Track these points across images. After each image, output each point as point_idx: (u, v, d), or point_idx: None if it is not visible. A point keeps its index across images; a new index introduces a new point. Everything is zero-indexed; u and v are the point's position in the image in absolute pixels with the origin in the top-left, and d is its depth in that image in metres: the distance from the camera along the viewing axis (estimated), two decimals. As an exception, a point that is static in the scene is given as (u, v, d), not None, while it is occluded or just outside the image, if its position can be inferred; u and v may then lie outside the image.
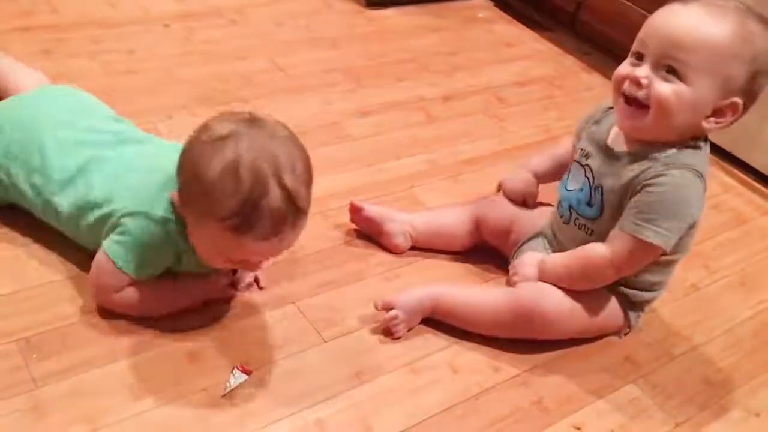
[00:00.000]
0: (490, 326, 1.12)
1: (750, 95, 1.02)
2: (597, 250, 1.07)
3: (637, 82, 1.01)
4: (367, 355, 1.07)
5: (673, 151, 1.04)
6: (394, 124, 1.62)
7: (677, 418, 1.08)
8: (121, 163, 1.07)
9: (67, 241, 1.11)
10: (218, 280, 1.08)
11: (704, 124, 1.02)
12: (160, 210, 0.99)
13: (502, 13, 2.23)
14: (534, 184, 1.26)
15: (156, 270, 1.03)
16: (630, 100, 1.03)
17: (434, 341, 1.12)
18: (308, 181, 0.96)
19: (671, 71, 0.99)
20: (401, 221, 1.26)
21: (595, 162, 1.11)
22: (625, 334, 1.18)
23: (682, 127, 1.03)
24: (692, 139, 1.05)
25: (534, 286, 1.11)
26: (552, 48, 2.08)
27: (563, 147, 1.25)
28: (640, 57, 1.02)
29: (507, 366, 1.10)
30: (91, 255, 1.09)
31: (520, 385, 1.08)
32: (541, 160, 1.28)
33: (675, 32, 0.99)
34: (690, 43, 0.98)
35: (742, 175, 1.67)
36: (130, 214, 1.00)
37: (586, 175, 1.11)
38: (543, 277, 1.11)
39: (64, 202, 1.06)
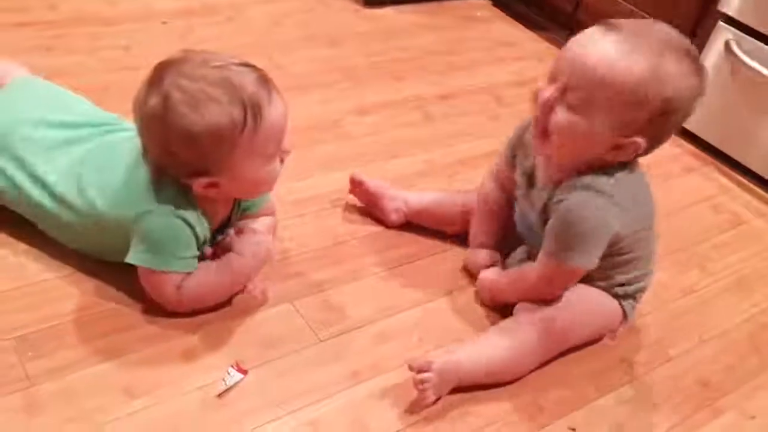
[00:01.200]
0: (524, 371, 1.09)
1: (656, 136, 1.00)
2: (529, 274, 1.10)
3: (540, 105, 1.00)
4: (363, 354, 1.07)
5: (587, 174, 1.03)
6: (392, 123, 1.62)
7: (672, 420, 1.08)
8: (108, 164, 1.05)
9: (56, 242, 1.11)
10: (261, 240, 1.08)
11: (605, 155, 1.01)
12: (161, 200, 0.99)
13: (501, 13, 2.23)
14: (494, 254, 1.24)
15: (190, 251, 1.03)
16: (537, 131, 1.03)
17: (433, 342, 1.11)
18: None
19: (573, 101, 0.97)
20: (397, 198, 1.30)
21: (522, 193, 1.15)
22: (621, 324, 1.17)
23: (580, 155, 1.02)
24: (601, 167, 1.03)
25: (547, 311, 1.09)
26: (550, 48, 2.08)
27: (490, 204, 1.24)
28: (553, 79, 1.00)
29: (503, 367, 1.10)
30: (83, 255, 1.09)
31: (516, 386, 1.07)
32: (486, 230, 1.25)
33: (584, 65, 0.96)
34: (596, 80, 0.95)
35: (739, 177, 1.67)
36: (138, 219, 0.99)
37: (520, 207, 1.16)
38: (500, 296, 1.16)
39: (64, 212, 1.05)
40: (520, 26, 2.17)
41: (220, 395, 0.97)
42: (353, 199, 1.33)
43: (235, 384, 0.98)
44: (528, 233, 1.17)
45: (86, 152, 1.08)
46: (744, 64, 1.59)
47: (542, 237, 1.08)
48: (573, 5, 2.09)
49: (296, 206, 1.32)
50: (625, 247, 1.08)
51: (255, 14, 1.92)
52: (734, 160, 1.68)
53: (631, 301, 1.16)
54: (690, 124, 1.69)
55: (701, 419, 1.09)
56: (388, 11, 2.09)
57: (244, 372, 0.99)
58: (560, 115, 0.99)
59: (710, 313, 1.29)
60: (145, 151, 1.01)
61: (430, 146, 1.57)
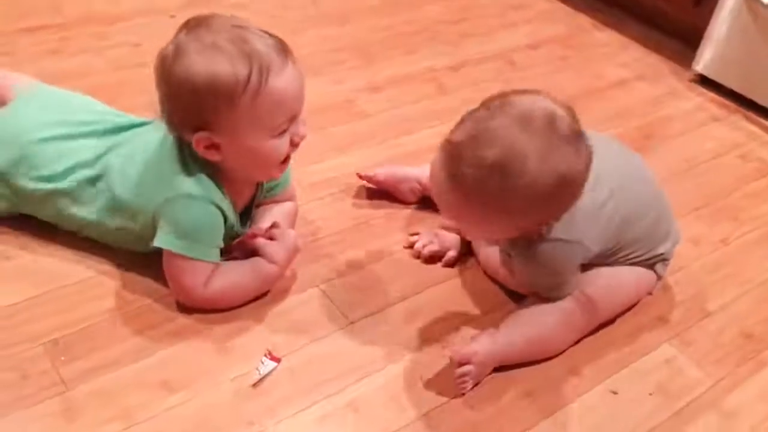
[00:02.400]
0: (564, 347, 1.07)
1: (546, 218, 0.95)
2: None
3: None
4: (394, 334, 1.06)
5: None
6: (407, 98, 1.59)
7: (716, 376, 1.06)
8: (132, 153, 1.05)
9: (85, 241, 1.10)
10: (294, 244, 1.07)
11: (522, 233, 0.98)
12: (190, 184, 0.99)
13: (509, -24, 2.18)
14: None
15: (220, 242, 1.02)
16: None
17: (463, 316, 1.10)
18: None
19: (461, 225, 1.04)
20: (408, 178, 1.27)
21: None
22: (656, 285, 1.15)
23: (505, 237, 1.02)
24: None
25: (586, 286, 1.06)
26: (561, 7, 2.03)
27: None
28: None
29: (537, 335, 1.08)
30: (113, 252, 1.09)
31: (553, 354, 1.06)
32: None
33: (438, 198, 0.98)
34: (450, 210, 0.98)
35: (767, 123, 1.62)
36: (167, 203, 0.99)
37: None
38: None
39: (85, 209, 1.06)
40: (530, -13, 2.12)
41: (254, 385, 0.96)
42: (361, 172, 1.32)
43: (269, 372, 0.98)
44: None
45: (111, 144, 1.07)
46: (763, 5, 1.54)
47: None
48: (582, -39, 2.04)
49: (315, 189, 1.30)
50: (626, 246, 1.06)
51: (263, 0, 1.90)
52: (760, 105, 1.64)
53: (661, 264, 1.14)
54: (710, 72, 1.65)
55: (746, 372, 1.07)
56: (394, -16, 2.05)
57: (277, 360, 0.99)
58: (461, 226, 1.06)
59: (746, 264, 1.26)
60: (161, 108, 0.99)
61: (446, 118, 1.53)
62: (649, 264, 1.11)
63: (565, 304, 1.05)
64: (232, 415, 0.93)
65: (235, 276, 1.05)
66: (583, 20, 1.98)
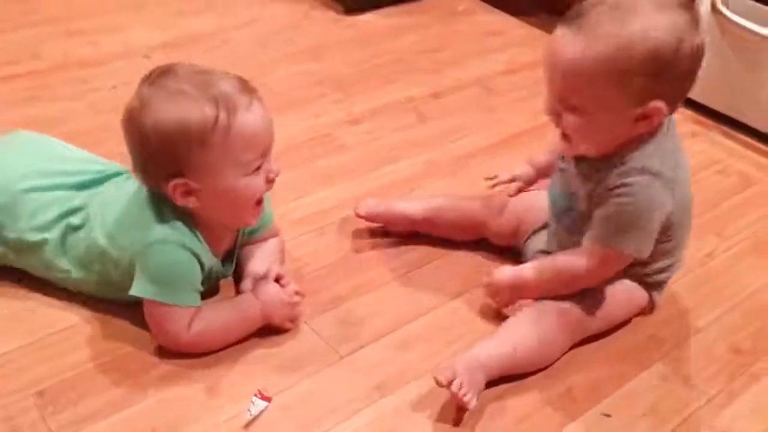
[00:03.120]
0: (550, 358, 1.07)
1: (667, 90, 0.96)
2: (575, 262, 1.05)
3: (552, 120, 1.01)
4: (386, 365, 1.05)
5: (633, 153, 1.00)
6: (387, 128, 1.60)
7: (709, 393, 1.05)
8: (109, 202, 1.05)
9: (63, 289, 1.10)
10: (282, 297, 1.06)
11: (636, 130, 0.99)
12: (163, 230, 0.99)
13: (482, 3, 2.21)
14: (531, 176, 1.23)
15: (198, 286, 1.02)
16: (563, 135, 1.02)
17: (454, 345, 1.10)
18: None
19: (572, 104, 0.97)
20: (401, 217, 1.26)
21: (567, 168, 1.09)
22: (650, 311, 1.16)
23: (612, 140, 1.00)
24: (646, 138, 1.01)
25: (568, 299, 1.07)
26: (536, 33, 2.06)
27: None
28: (549, 85, 1.00)
29: (529, 360, 1.08)
30: (98, 299, 1.08)
31: (546, 377, 1.06)
32: (541, 155, 1.24)
33: (552, 68, 0.97)
34: (565, 79, 0.95)
35: (746, 138, 1.64)
36: (141, 250, 0.98)
37: (564, 179, 1.11)
38: (523, 292, 1.08)
39: (67, 258, 1.05)
40: (504, 14, 2.15)
41: (246, 426, 0.95)
42: (356, 209, 1.32)
43: (261, 412, 0.96)
44: (561, 213, 1.12)
45: (92, 194, 1.07)
46: (733, 22, 1.57)
47: (579, 218, 1.06)
48: (554, -14, 2.07)
49: (300, 224, 1.30)
50: (669, 231, 1.06)
51: (239, 38, 1.92)
52: (737, 120, 1.66)
53: (658, 290, 1.15)
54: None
55: (738, 387, 1.07)
56: (369, 16, 2.08)
57: (269, 399, 0.98)
58: (569, 120, 0.98)
59: (733, 278, 1.26)
60: (133, 166, 1.00)
61: (428, 146, 1.56)
62: (651, 283, 1.12)
63: (549, 319, 1.05)
64: (225, 459, 0.92)
65: (218, 318, 1.04)
66: (558, 44, 2.01)
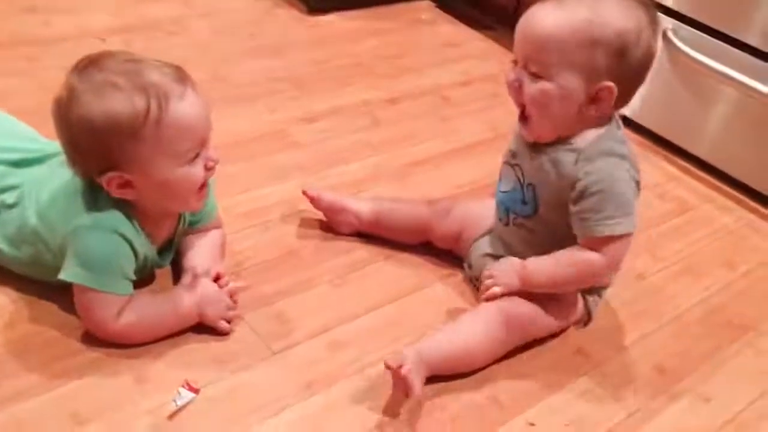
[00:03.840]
0: (489, 357, 1.09)
1: (622, 76, 1.02)
2: (582, 256, 1.07)
3: (511, 87, 1.06)
4: (317, 365, 1.06)
5: (586, 138, 1.06)
6: (341, 130, 1.61)
7: (630, 408, 1.08)
8: (44, 181, 1.03)
9: (1, 270, 1.08)
10: (218, 295, 1.05)
11: (586, 112, 1.04)
12: (95, 215, 0.97)
13: (445, 14, 2.23)
14: None
15: (130, 274, 1.00)
16: (521, 116, 1.08)
17: (384, 345, 1.11)
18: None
19: (535, 70, 1.02)
20: (348, 212, 1.27)
21: (522, 161, 1.12)
22: (586, 324, 1.19)
23: (564, 119, 1.05)
24: (596, 125, 1.06)
25: (510, 300, 1.10)
26: (495, 46, 2.09)
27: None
28: (515, 62, 1.06)
29: (459, 367, 1.10)
30: (28, 281, 1.06)
31: (475, 383, 1.07)
32: None
33: (527, 34, 1.03)
34: (538, 42, 1.01)
35: (685, 164, 1.69)
36: (73, 233, 0.97)
37: (516, 175, 1.13)
38: (525, 285, 1.10)
39: (1, 237, 1.03)
40: (465, 27, 2.18)
41: (170, 416, 0.94)
42: (303, 209, 1.32)
43: (187, 404, 0.96)
44: (511, 204, 1.14)
45: (29, 172, 1.05)
46: (682, 52, 1.61)
47: (534, 207, 1.09)
48: (514, 4, 2.11)
49: (245, 218, 1.30)
50: None
51: (198, 27, 1.90)
52: (679, 147, 1.71)
53: (595, 297, 1.17)
54: (633, 113, 1.72)
55: (659, 405, 1.10)
56: (332, 18, 2.08)
57: (196, 391, 0.97)
58: (529, 88, 1.03)
59: (662, 298, 1.30)
60: (65, 155, 0.98)
61: (380, 150, 1.57)
62: (594, 288, 1.16)
63: (490, 319, 1.08)
64: (147, 448, 0.91)
65: (150, 310, 1.03)
66: (516, 60, 2.04)
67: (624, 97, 1.06)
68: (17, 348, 1.00)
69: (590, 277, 1.11)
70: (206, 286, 1.06)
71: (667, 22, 1.64)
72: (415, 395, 0.98)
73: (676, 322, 1.25)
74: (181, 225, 1.11)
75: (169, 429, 0.93)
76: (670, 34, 1.63)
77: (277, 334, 1.09)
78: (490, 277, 1.11)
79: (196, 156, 0.99)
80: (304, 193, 1.28)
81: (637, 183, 1.07)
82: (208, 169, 1.01)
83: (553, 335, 1.17)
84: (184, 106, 0.94)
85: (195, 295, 1.04)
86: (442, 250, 1.28)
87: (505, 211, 1.16)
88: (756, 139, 1.57)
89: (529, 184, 1.10)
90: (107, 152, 0.94)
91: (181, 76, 0.97)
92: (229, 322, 1.07)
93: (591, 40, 0.99)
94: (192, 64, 1.69)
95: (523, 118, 1.07)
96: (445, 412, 1.03)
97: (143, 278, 1.08)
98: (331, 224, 1.30)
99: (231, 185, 1.36)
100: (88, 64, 0.95)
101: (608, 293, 1.22)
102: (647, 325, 1.24)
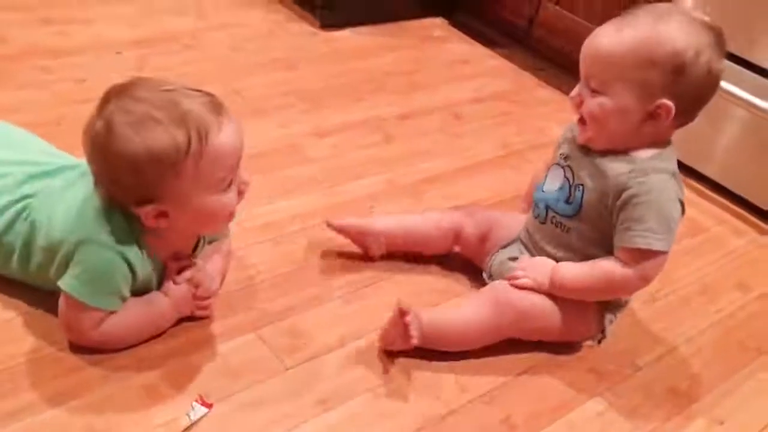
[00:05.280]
0: (479, 335, 1.12)
1: (679, 95, 1.03)
2: (615, 268, 1.08)
3: (572, 101, 1.10)
4: (330, 381, 1.05)
5: (643, 154, 1.08)
6: (352, 145, 1.61)
7: (644, 429, 1.08)
8: (58, 194, 1.02)
9: (11, 282, 1.08)
10: (187, 293, 1.05)
11: (644, 129, 1.06)
12: (103, 231, 0.96)
13: (457, 32, 2.24)
14: None
15: (122, 295, 1.00)
16: (580, 119, 1.10)
17: (398, 363, 1.10)
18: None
19: (595, 86, 1.06)
20: (374, 232, 1.26)
21: (575, 163, 1.13)
22: (599, 342, 1.19)
23: (621, 134, 1.07)
24: (653, 144, 1.08)
25: (525, 292, 1.12)
26: (507, 64, 2.09)
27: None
28: (580, 79, 1.09)
29: (473, 385, 1.09)
30: (39, 293, 1.06)
31: (487, 404, 1.07)
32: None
33: (589, 51, 1.07)
34: (597, 59, 1.05)
35: (699, 186, 1.69)
36: (79, 245, 0.96)
37: (566, 175, 1.14)
38: (554, 287, 1.11)
39: (11, 244, 1.03)
40: (477, 44, 2.19)
41: (184, 431, 0.94)
42: (314, 224, 1.32)
43: (200, 419, 0.95)
44: (553, 202, 1.15)
45: (43, 183, 1.05)
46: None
47: (577, 207, 1.11)
48: (527, 22, 2.12)
49: (257, 232, 1.30)
50: None
51: (212, 41, 1.91)
52: (693, 169, 1.71)
53: (611, 315, 1.17)
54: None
55: (674, 426, 1.09)
56: (345, 33, 2.09)
57: (209, 406, 0.97)
58: (588, 103, 1.07)
59: (676, 320, 1.29)
60: (96, 180, 0.98)
61: (392, 166, 1.57)
62: (611, 306, 1.16)
63: (486, 304, 1.11)
64: (159, 462, 0.91)
65: (127, 317, 1.01)
66: (527, 78, 2.05)
67: (683, 116, 1.07)
68: (30, 361, 0.99)
69: (619, 290, 1.12)
70: (174, 289, 1.05)
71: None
72: (414, 344, 1.05)
73: (689, 344, 1.25)
74: (201, 244, 1.10)
75: (182, 444, 0.93)
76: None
77: (289, 348, 1.09)
78: (524, 269, 1.13)
79: (231, 182, 0.98)
80: (328, 225, 1.26)
81: (682, 204, 1.08)
82: (241, 193, 1.01)
83: (565, 350, 1.17)
84: (222, 138, 0.94)
85: (171, 300, 1.04)
86: (458, 263, 1.28)
87: (544, 208, 1.17)
88: (767, 160, 1.57)
89: (579, 185, 1.12)
90: (146, 186, 0.93)
91: (215, 104, 0.96)
92: (206, 309, 1.08)
93: (648, 58, 1.01)
94: (207, 78, 1.73)
95: (582, 121, 1.10)
96: None
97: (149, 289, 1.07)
98: (361, 248, 1.28)
99: (244, 198, 1.36)
100: (123, 93, 0.93)
101: (622, 314, 1.21)
102: (661, 346, 1.23)
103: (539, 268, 1.13)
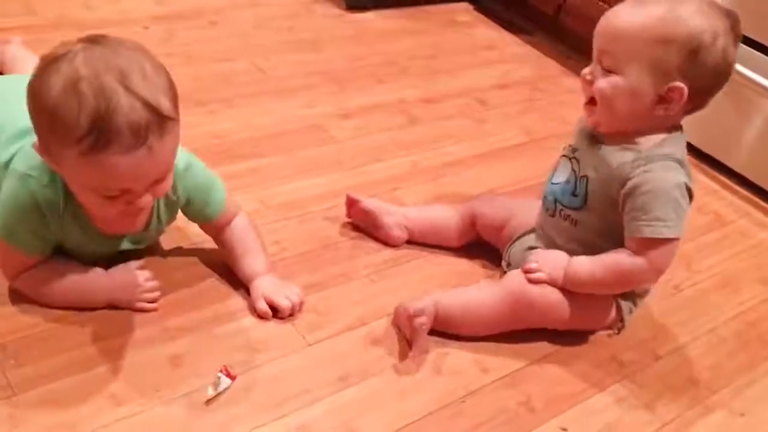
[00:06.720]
0: (491, 323, 1.12)
1: (693, 77, 1.02)
2: (627, 259, 1.07)
3: (583, 80, 1.07)
4: (352, 358, 1.06)
5: (650, 140, 1.06)
6: (376, 127, 1.61)
7: (664, 418, 1.08)
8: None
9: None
10: (132, 280, 1.04)
11: (655, 111, 1.04)
12: (35, 171, 0.93)
13: (483, 17, 2.23)
14: None
15: (47, 237, 0.97)
16: (590, 101, 1.09)
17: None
18: (165, 86, 0.88)
19: (607, 64, 1.04)
20: (397, 214, 1.27)
21: (581, 154, 1.13)
22: (618, 331, 1.18)
23: (631, 116, 1.05)
24: (661, 129, 1.07)
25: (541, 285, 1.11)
26: (532, 51, 2.08)
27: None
28: (592, 58, 1.07)
29: (494, 367, 1.09)
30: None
31: (507, 386, 1.07)
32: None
33: (603, 28, 1.05)
34: (611, 35, 1.03)
35: (723, 178, 1.68)
36: (9, 173, 0.94)
37: (572, 168, 1.14)
38: (567, 282, 1.10)
39: None
40: (502, 30, 2.18)
41: (207, 402, 0.95)
42: (339, 204, 1.32)
43: (224, 390, 0.96)
44: (560, 195, 1.14)
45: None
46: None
47: (583, 200, 1.10)
48: (555, 8, 2.10)
49: (281, 210, 1.30)
50: None
51: (238, 18, 1.91)
52: (717, 161, 1.70)
53: (630, 304, 1.17)
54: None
55: (692, 418, 1.09)
56: (370, 15, 2.09)
57: (233, 377, 0.98)
58: (599, 81, 1.05)
59: (698, 311, 1.29)
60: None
61: (414, 149, 1.57)
62: (629, 294, 1.15)
63: (501, 292, 1.11)
64: (183, 431, 0.91)
65: (53, 273, 1.01)
66: (553, 66, 2.04)
67: (696, 101, 1.05)
68: (54, 328, 1.00)
69: (633, 281, 1.11)
70: (123, 272, 1.04)
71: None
72: (415, 351, 1.06)
73: (710, 335, 1.24)
74: (154, 219, 1.05)
75: (206, 413, 0.94)
76: (713, 46, 1.62)
77: (312, 325, 1.09)
78: (538, 263, 1.12)
79: (121, 196, 0.90)
80: (347, 197, 1.27)
81: (690, 191, 1.06)
82: (129, 204, 0.91)
83: (586, 338, 1.17)
84: (120, 160, 0.84)
85: (109, 281, 1.03)
86: (482, 248, 1.28)
87: (553, 201, 1.16)
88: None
89: (583, 176, 1.11)
90: (41, 132, 0.87)
91: (150, 124, 0.84)
92: (152, 302, 1.05)
93: (663, 37, 1.00)
94: (231, 54, 1.73)
95: (591, 102, 1.08)
96: (476, 415, 1.02)
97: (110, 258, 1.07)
98: (380, 233, 1.27)
99: (267, 176, 1.36)
100: (87, 46, 0.85)
101: (644, 303, 1.21)
102: (683, 336, 1.23)
103: (553, 262, 1.11)
